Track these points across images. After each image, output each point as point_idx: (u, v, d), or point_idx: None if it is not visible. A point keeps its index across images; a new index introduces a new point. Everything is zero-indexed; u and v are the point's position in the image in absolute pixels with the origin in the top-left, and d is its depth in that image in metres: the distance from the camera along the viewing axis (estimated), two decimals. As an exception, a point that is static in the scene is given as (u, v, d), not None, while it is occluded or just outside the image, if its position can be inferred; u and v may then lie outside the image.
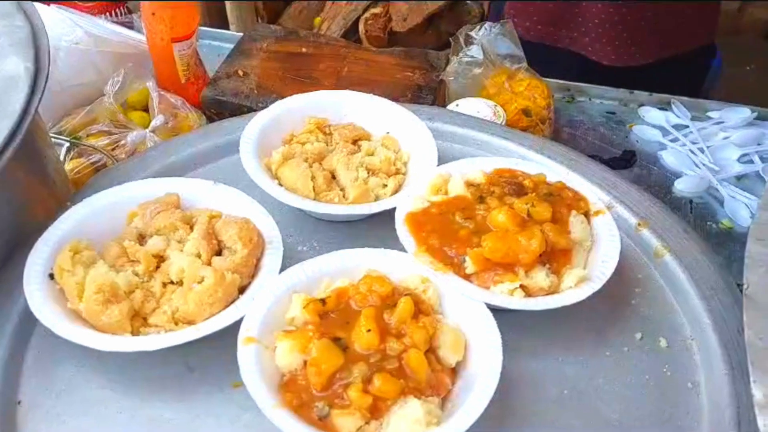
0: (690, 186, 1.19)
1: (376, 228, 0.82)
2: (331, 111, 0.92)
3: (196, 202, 0.80)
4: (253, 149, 0.85)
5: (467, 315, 0.70)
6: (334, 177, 0.85)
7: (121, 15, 1.34)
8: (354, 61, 1.24)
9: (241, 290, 0.72)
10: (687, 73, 1.48)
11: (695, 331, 0.74)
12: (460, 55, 1.23)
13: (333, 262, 0.74)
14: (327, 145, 0.88)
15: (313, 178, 0.82)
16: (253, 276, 0.73)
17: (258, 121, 0.88)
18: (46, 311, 0.67)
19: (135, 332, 0.69)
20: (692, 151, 1.24)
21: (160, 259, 0.73)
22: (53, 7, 1.16)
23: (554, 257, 0.73)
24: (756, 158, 1.22)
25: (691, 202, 1.18)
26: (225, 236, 0.74)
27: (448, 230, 0.76)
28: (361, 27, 1.68)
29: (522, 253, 0.71)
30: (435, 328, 0.67)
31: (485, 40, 1.24)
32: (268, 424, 0.60)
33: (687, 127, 1.29)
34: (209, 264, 0.72)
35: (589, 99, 1.37)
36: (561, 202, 0.78)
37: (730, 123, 1.28)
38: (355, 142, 0.89)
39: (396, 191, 0.85)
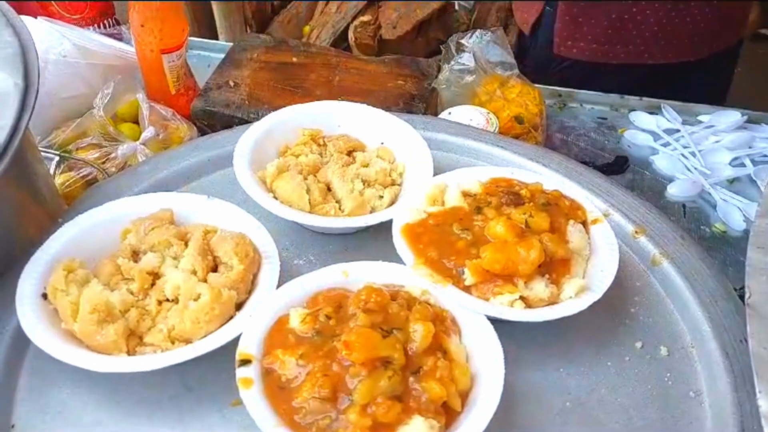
0: (683, 190, 1.20)
1: (373, 240, 0.81)
2: (325, 122, 0.92)
3: (191, 217, 0.79)
4: (247, 162, 0.84)
5: (468, 327, 0.69)
6: (329, 189, 0.84)
7: (110, 27, 1.33)
8: (345, 70, 1.23)
9: (238, 306, 0.71)
10: (725, 69, 1.52)
11: (696, 339, 0.74)
12: (452, 62, 1.23)
13: (331, 276, 0.73)
14: (321, 156, 0.88)
15: (308, 190, 0.82)
16: (250, 292, 0.72)
17: (251, 133, 0.88)
18: (39, 332, 0.66)
19: (131, 352, 0.67)
20: (684, 155, 1.25)
21: (155, 276, 0.72)
22: (41, 19, 1.15)
23: (553, 267, 0.73)
24: (747, 161, 1.23)
25: (684, 206, 1.18)
26: (221, 252, 0.73)
27: (445, 242, 0.75)
28: (350, 35, 1.67)
29: (521, 264, 0.71)
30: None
31: (476, 48, 1.23)
32: (269, 443, 0.59)
33: (678, 131, 1.29)
34: (205, 280, 0.71)
35: (581, 105, 1.37)
36: (558, 212, 0.78)
37: (721, 127, 1.29)
38: (349, 153, 0.89)
39: (392, 203, 0.84)
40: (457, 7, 1.99)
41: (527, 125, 1.21)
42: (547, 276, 0.72)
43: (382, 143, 0.91)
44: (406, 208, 0.80)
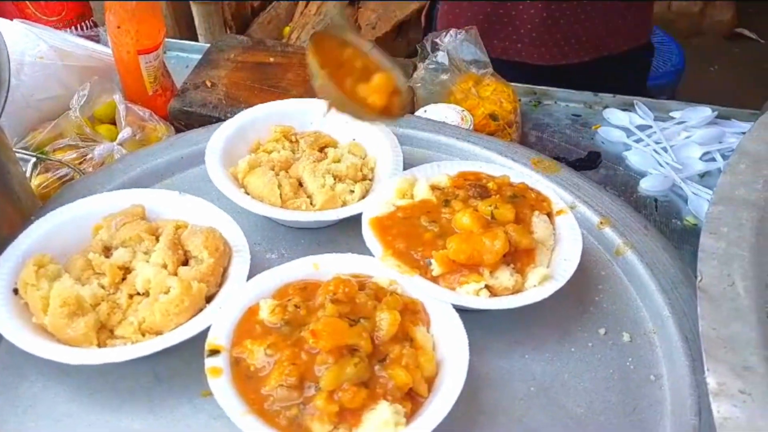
0: (655, 185, 1.21)
1: (345, 234, 0.83)
2: (297, 119, 0.93)
3: (162, 213, 0.80)
4: (219, 159, 0.85)
5: (434, 316, 0.71)
6: (300, 184, 0.85)
7: (88, 29, 1.33)
8: (322, 70, 1.25)
9: (209, 299, 0.72)
10: (625, 71, 1.51)
11: (657, 325, 0.76)
12: (427, 61, 1.25)
13: (300, 268, 0.74)
14: (293, 153, 0.89)
15: (279, 185, 0.83)
16: (220, 284, 0.73)
17: (223, 130, 0.89)
18: (10, 326, 0.67)
19: (101, 345, 0.68)
20: (656, 151, 1.27)
21: (126, 270, 0.73)
22: (16, 21, 1.16)
23: (518, 257, 0.75)
24: (718, 156, 1.25)
25: (656, 200, 1.20)
26: (191, 246, 0.74)
27: (413, 233, 0.77)
28: (330, 36, 1.69)
29: (486, 254, 0.72)
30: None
31: (451, 47, 1.25)
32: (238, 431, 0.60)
33: (650, 127, 1.31)
34: (175, 274, 0.72)
35: (555, 102, 1.39)
36: (524, 203, 0.80)
37: (692, 122, 1.31)
38: (321, 149, 0.90)
39: (363, 197, 0.85)
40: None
41: (502, 122, 1.23)
42: (511, 265, 0.74)
43: (354, 139, 0.92)
44: (375, 202, 0.81)
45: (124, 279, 0.73)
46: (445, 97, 1.24)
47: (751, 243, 0.62)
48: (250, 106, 0.95)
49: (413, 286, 0.72)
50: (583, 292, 0.79)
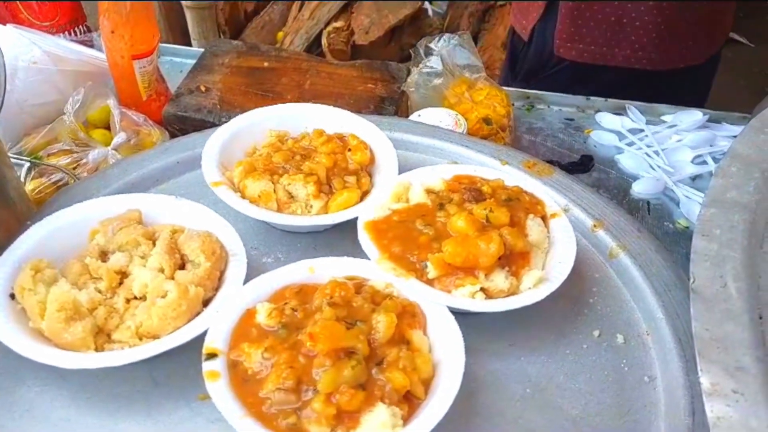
0: (647, 188, 1.23)
1: (340, 238, 0.83)
2: (292, 124, 0.93)
3: (159, 217, 0.80)
4: (215, 163, 0.85)
5: (430, 319, 0.71)
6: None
7: (81, 34, 1.33)
8: (316, 75, 1.25)
9: (206, 303, 0.72)
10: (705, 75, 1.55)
11: (650, 327, 0.76)
12: (420, 66, 1.26)
13: (297, 272, 0.75)
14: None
15: (275, 190, 0.83)
16: (217, 288, 0.74)
17: (219, 135, 0.89)
18: (7, 331, 0.67)
19: (99, 349, 0.69)
20: (648, 154, 1.28)
21: (123, 275, 0.73)
22: (10, 26, 1.15)
23: (513, 260, 0.75)
24: (709, 159, 1.27)
25: (648, 203, 1.21)
26: (188, 250, 0.74)
27: (409, 237, 0.77)
28: (323, 41, 1.69)
29: (481, 257, 0.73)
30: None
31: (444, 51, 1.26)
32: (236, 434, 0.60)
33: (642, 131, 1.33)
34: (172, 278, 0.72)
35: (548, 106, 1.40)
36: (519, 207, 0.80)
37: (683, 126, 1.32)
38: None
39: (361, 200, 0.86)
40: (430, 13, 2.02)
41: (495, 126, 1.24)
42: (506, 268, 0.75)
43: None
44: (371, 206, 0.82)
45: (121, 283, 0.73)
46: (438, 102, 1.25)
47: (743, 245, 0.63)
48: (245, 110, 0.96)
49: (409, 289, 0.73)
50: (578, 294, 0.80)
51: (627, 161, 1.27)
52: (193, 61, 1.27)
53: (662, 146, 1.29)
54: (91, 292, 0.70)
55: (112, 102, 1.15)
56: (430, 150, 0.99)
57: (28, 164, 1.05)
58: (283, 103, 0.98)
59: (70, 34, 1.32)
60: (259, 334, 0.68)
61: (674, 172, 1.24)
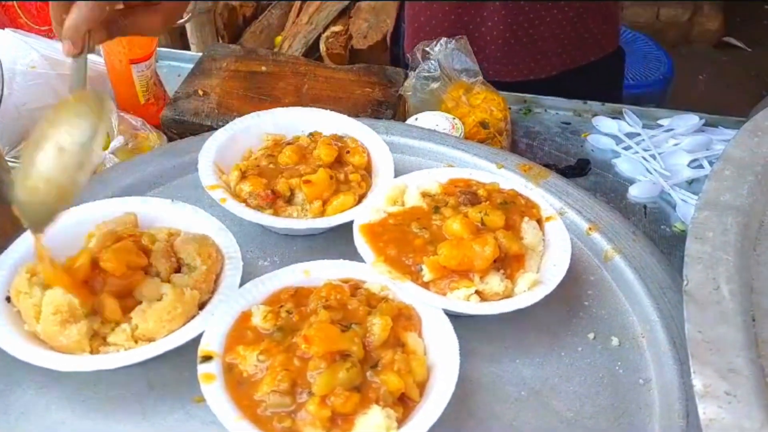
0: (643, 191, 1.23)
1: (337, 241, 0.83)
2: (288, 127, 0.94)
3: (155, 221, 0.80)
4: (212, 167, 0.86)
5: (425, 321, 0.71)
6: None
7: (80, 38, 1.33)
8: (314, 79, 1.26)
9: (201, 306, 0.73)
10: (599, 80, 1.52)
11: (645, 329, 0.77)
12: (418, 70, 1.26)
13: (292, 275, 0.75)
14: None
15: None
16: (212, 291, 0.74)
17: (215, 139, 0.89)
18: (2, 334, 0.67)
19: (94, 352, 0.69)
20: (644, 158, 1.28)
21: (119, 277, 0.73)
22: (8, 31, 1.16)
23: (508, 263, 0.75)
24: (705, 163, 1.27)
25: (645, 207, 1.21)
26: (184, 253, 0.74)
27: (404, 240, 0.77)
28: (322, 45, 1.70)
29: (476, 260, 0.73)
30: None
31: (441, 55, 1.26)
32: (231, 437, 0.61)
33: (639, 135, 1.33)
34: (168, 281, 0.72)
35: (545, 110, 1.41)
36: (514, 210, 0.81)
37: (680, 130, 1.33)
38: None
39: (358, 204, 0.86)
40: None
41: (492, 130, 1.24)
42: (501, 271, 0.75)
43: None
44: (367, 209, 0.82)
45: (117, 286, 0.73)
46: (435, 106, 1.25)
47: (737, 247, 0.64)
48: (243, 114, 0.96)
49: (404, 291, 0.73)
50: (573, 297, 0.80)
51: (624, 165, 1.28)
52: (191, 66, 1.28)
53: (659, 150, 1.29)
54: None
55: (109, 106, 1.15)
56: (426, 153, 0.99)
57: (25, 168, 1.05)
58: (281, 107, 0.98)
59: (68, 38, 1.32)
60: (254, 337, 0.69)
61: (671, 175, 1.24)
